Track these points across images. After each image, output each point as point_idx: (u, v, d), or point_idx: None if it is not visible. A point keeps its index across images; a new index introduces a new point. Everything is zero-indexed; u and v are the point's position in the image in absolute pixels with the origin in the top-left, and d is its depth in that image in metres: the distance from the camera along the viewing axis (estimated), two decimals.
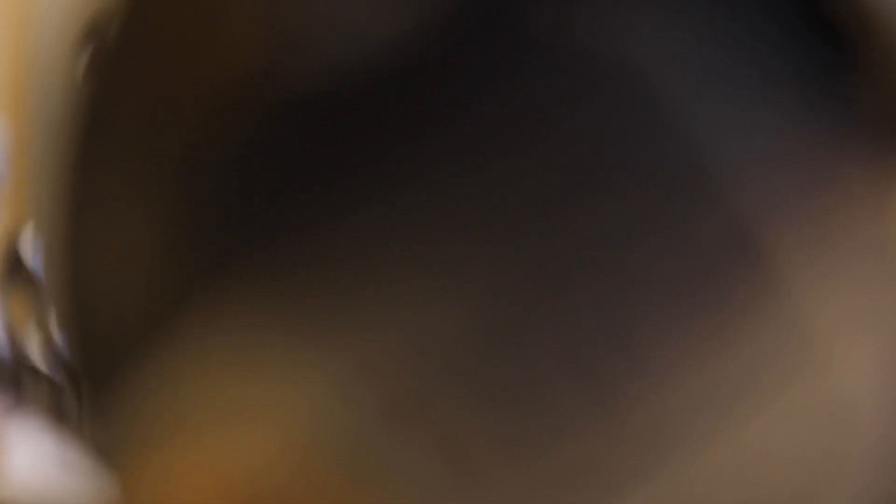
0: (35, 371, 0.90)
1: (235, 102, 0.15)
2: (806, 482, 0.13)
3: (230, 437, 0.14)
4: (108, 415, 0.16)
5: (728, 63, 0.13)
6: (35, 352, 0.92)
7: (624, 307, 0.12)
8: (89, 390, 0.15)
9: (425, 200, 0.12)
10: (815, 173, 0.12)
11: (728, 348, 0.12)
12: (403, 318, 0.12)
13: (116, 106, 0.15)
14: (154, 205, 0.14)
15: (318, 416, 0.13)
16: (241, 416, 0.14)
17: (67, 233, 0.15)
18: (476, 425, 0.12)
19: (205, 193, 0.15)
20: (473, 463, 0.12)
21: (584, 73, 0.13)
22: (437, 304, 0.12)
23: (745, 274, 0.12)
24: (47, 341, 0.97)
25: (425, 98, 0.13)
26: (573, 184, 0.12)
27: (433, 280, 0.12)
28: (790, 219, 0.12)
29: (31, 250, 0.98)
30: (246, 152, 0.14)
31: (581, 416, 0.12)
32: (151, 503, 0.14)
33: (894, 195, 0.13)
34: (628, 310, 0.12)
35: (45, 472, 0.79)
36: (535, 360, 0.12)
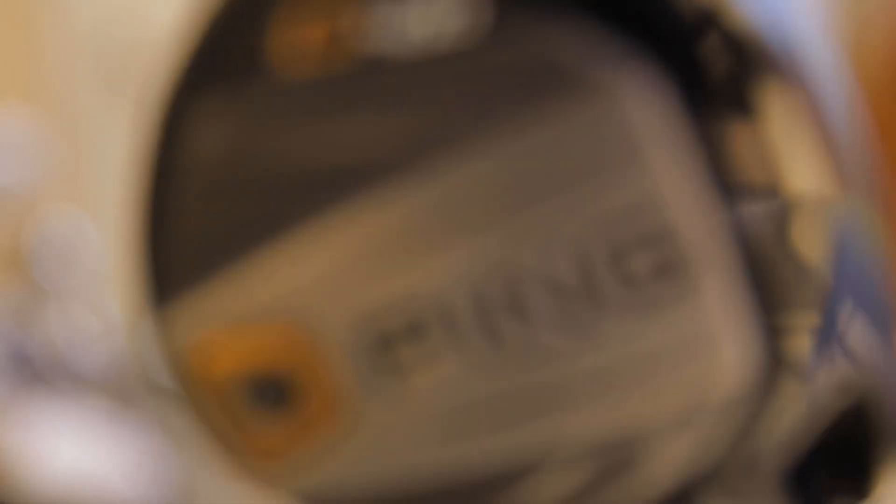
0: (61, 362, 0.88)
1: None
2: None
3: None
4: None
5: None
6: (61, 340, 0.91)
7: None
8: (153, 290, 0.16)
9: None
10: None
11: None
12: None
13: None
14: None
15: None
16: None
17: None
18: None
19: None
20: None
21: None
22: None
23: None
24: (49, 342, 0.96)
25: None
26: None
27: None
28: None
29: (59, 232, 0.97)
30: None
31: None
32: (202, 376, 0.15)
33: None
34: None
35: (76, 469, 0.78)
36: None
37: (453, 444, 0.15)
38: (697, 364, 0.15)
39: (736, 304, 0.15)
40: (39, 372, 0.90)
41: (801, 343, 0.16)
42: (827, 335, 0.16)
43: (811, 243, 0.15)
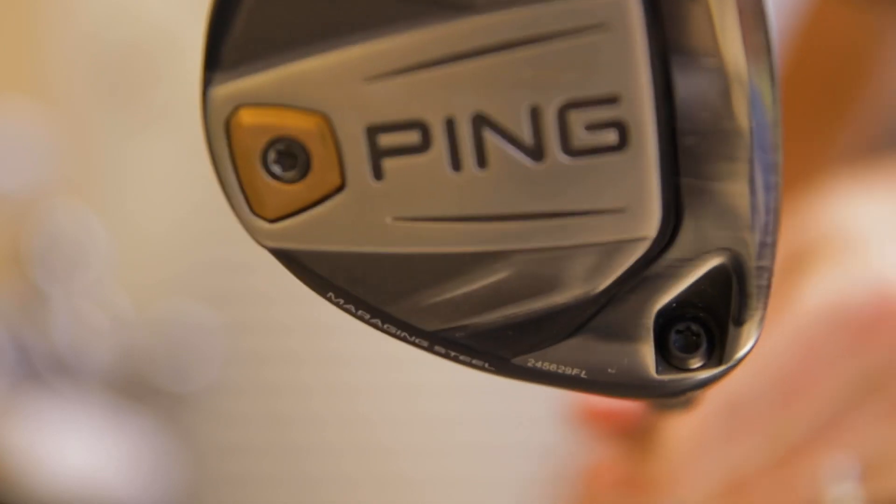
0: (65, 360, 0.87)
1: None
2: None
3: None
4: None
5: None
6: (67, 337, 0.90)
7: None
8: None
9: None
10: None
11: None
12: None
13: None
14: None
15: None
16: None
17: None
18: None
19: None
20: None
21: None
22: None
23: None
24: (50, 342, 0.96)
25: None
26: None
27: None
28: None
29: (63, 231, 0.97)
30: None
31: None
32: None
33: None
34: None
35: (80, 468, 0.78)
36: None
37: (413, 224, 0.20)
38: (624, 213, 0.19)
39: (661, 165, 0.19)
40: (42, 371, 0.90)
41: (732, 190, 0.20)
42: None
43: (740, 105, 0.19)
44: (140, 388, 1.00)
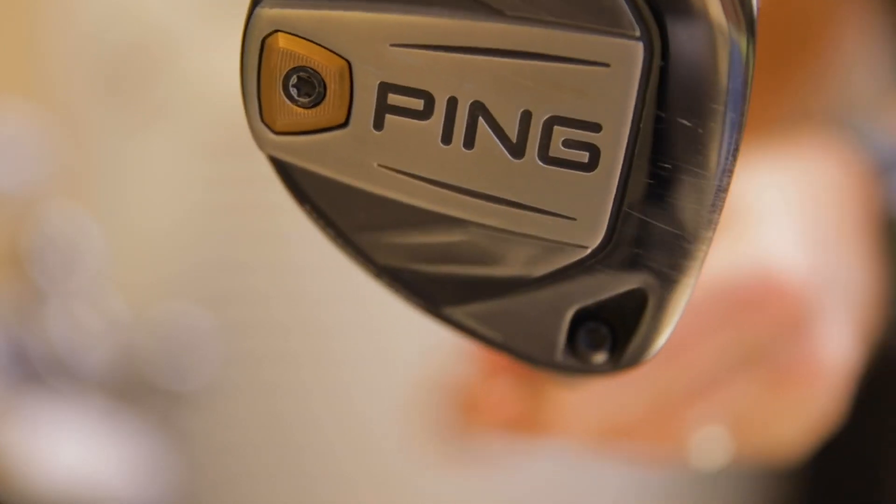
0: (61, 359, 0.88)
1: None
2: None
3: None
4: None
5: None
6: (62, 338, 0.90)
7: None
8: None
9: None
10: None
11: None
12: None
13: None
14: None
15: None
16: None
17: None
18: None
19: None
20: None
21: None
22: None
23: None
24: (51, 342, 0.96)
25: None
26: None
27: None
28: None
29: (60, 232, 0.97)
30: None
31: None
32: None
33: None
34: None
35: (76, 468, 0.78)
36: None
37: (395, 175, 0.22)
38: (574, 222, 0.22)
39: (618, 192, 0.22)
40: (39, 372, 0.90)
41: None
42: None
43: (723, 60, 0.21)
44: (137, 388, 1.00)
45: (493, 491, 1.21)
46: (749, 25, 0.21)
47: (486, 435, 0.39)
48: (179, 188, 1.18)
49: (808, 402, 0.33)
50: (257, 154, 0.25)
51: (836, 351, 0.33)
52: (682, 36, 0.21)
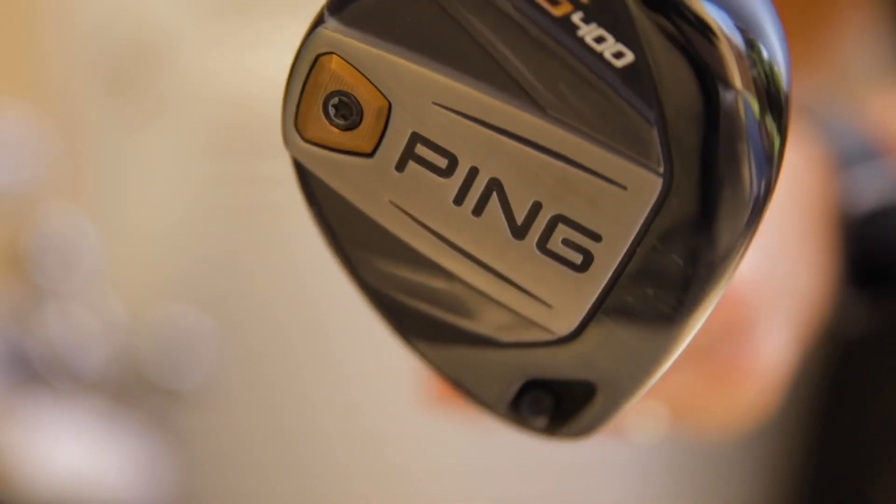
0: (61, 360, 0.88)
1: None
2: None
3: None
4: None
5: None
6: (62, 340, 0.90)
7: None
8: None
9: None
10: None
11: None
12: None
13: None
14: None
15: None
16: None
17: None
18: None
19: None
20: None
21: None
22: None
23: None
24: (51, 342, 0.96)
25: None
26: None
27: None
28: None
29: (59, 232, 0.96)
30: None
31: None
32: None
33: None
34: None
35: (69, 470, 0.77)
36: None
37: (401, 214, 0.24)
38: (551, 308, 0.24)
39: (599, 297, 0.24)
40: (39, 372, 0.90)
41: None
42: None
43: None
44: (136, 387, 1.00)
45: (492, 491, 1.21)
46: (752, 219, 0.23)
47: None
48: (178, 188, 1.18)
49: (740, 396, 0.35)
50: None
51: (772, 355, 0.35)
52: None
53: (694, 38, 0.21)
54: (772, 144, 0.22)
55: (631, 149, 0.22)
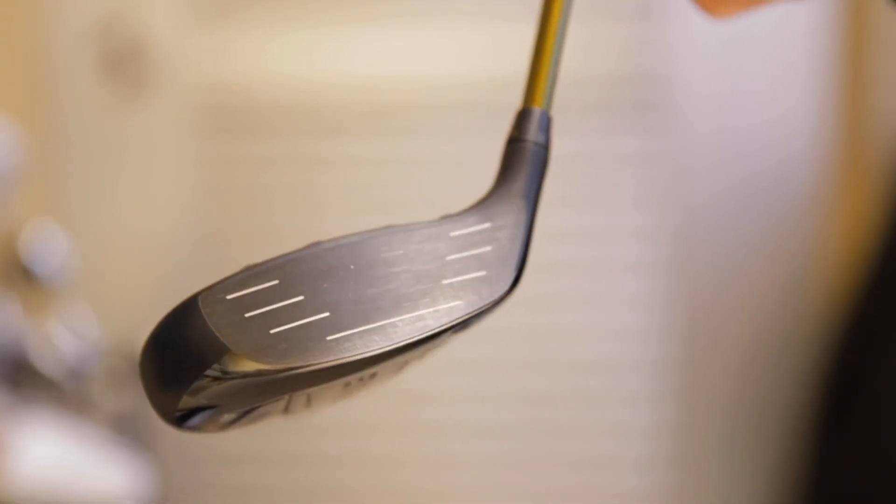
0: (45, 369, 0.88)
1: None
2: None
3: None
4: None
5: None
6: (41, 352, 0.91)
7: None
8: None
9: None
10: None
11: None
12: None
13: None
14: None
15: None
16: None
17: None
18: None
19: None
20: None
21: None
22: None
23: None
24: (51, 342, 0.96)
25: None
26: None
27: None
28: None
29: (39, 246, 0.96)
30: None
31: None
32: None
33: None
34: None
35: (56, 470, 0.77)
36: None
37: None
38: None
39: None
40: (30, 373, 0.90)
41: None
42: None
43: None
44: (118, 391, 1.00)
45: (493, 486, 1.21)
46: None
47: None
48: (160, 211, 1.18)
49: None
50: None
51: None
52: None
53: None
54: None
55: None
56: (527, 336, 1.17)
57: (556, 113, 0.33)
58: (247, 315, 0.26)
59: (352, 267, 0.26)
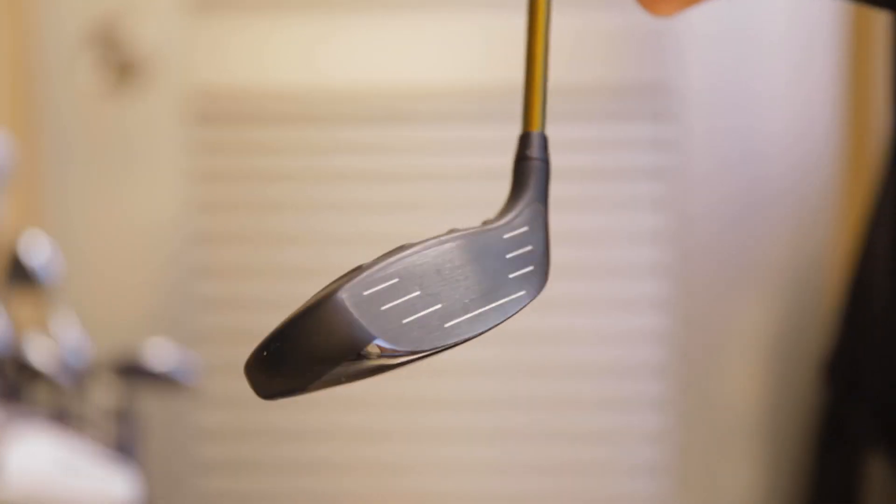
0: (37, 374, 0.88)
1: None
2: None
3: None
4: None
5: None
6: (38, 355, 0.91)
7: None
8: None
9: None
10: None
11: None
12: None
13: None
14: None
15: None
16: None
17: None
18: None
19: None
20: None
21: None
22: None
23: None
24: (51, 343, 0.95)
25: None
26: None
27: None
28: None
29: (36, 252, 0.97)
30: None
31: None
32: None
33: None
34: None
35: (46, 474, 0.77)
36: None
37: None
38: None
39: None
40: (20, 377, 0.89)
41: None
42: None
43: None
44: (110, 394, 1.00)
45: (492, 489, 1.21)
46: None
47: None
48: (154, 227, 1.18)
49: None
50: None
51: None
52: None
53: None
54: None
55: None
56: (531, 340, 1.17)
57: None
58: (382, 308, 0.31)
59: (445, 266, 0.32)
